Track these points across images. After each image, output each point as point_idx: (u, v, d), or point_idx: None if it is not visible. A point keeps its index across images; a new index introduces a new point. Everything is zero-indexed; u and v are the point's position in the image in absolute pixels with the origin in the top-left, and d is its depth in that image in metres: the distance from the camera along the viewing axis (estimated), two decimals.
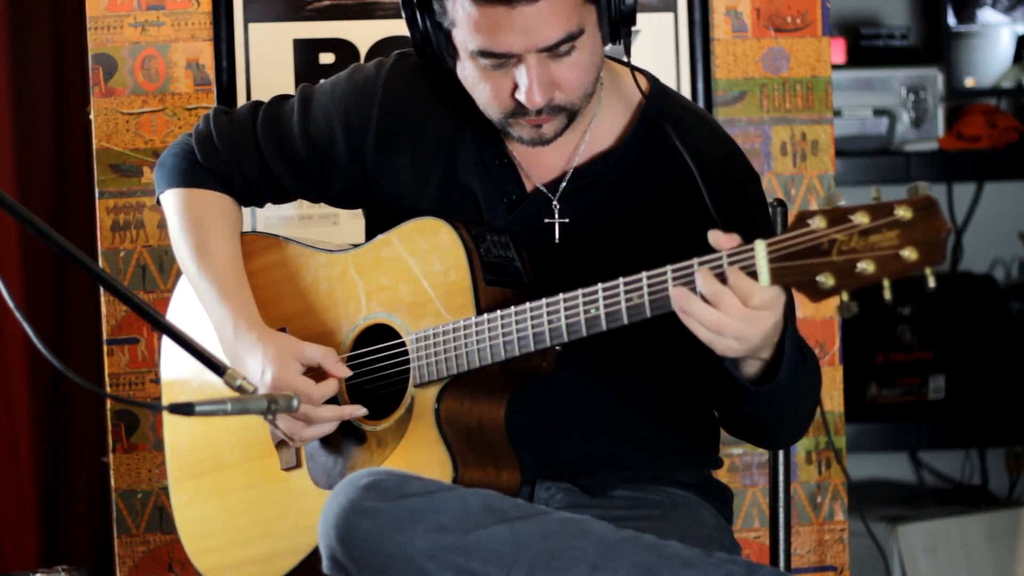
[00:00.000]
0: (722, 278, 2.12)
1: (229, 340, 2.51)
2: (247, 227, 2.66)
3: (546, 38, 2.30)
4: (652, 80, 2.53)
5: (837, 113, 4.17)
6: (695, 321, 2.14)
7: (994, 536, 4.21)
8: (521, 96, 2.34)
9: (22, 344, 3.77)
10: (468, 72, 2.39)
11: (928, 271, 1.99)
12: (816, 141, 3.41)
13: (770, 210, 2.85)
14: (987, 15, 4.55)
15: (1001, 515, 4.26)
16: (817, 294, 2.05)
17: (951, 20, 4.52)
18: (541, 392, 2.43)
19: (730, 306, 2.12)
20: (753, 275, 2.10)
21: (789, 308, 2.20)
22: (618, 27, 2.37)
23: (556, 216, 2.47)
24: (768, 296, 2.12)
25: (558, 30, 2.31)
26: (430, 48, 2.40)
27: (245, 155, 2.59)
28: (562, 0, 2.29)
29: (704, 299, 2.13)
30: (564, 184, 2.47)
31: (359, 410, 2.43)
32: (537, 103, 2.34)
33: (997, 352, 4.41)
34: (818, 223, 2.04)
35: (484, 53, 2.33)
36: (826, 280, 2.04)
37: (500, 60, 2.33)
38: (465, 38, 2.34)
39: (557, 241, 2.47)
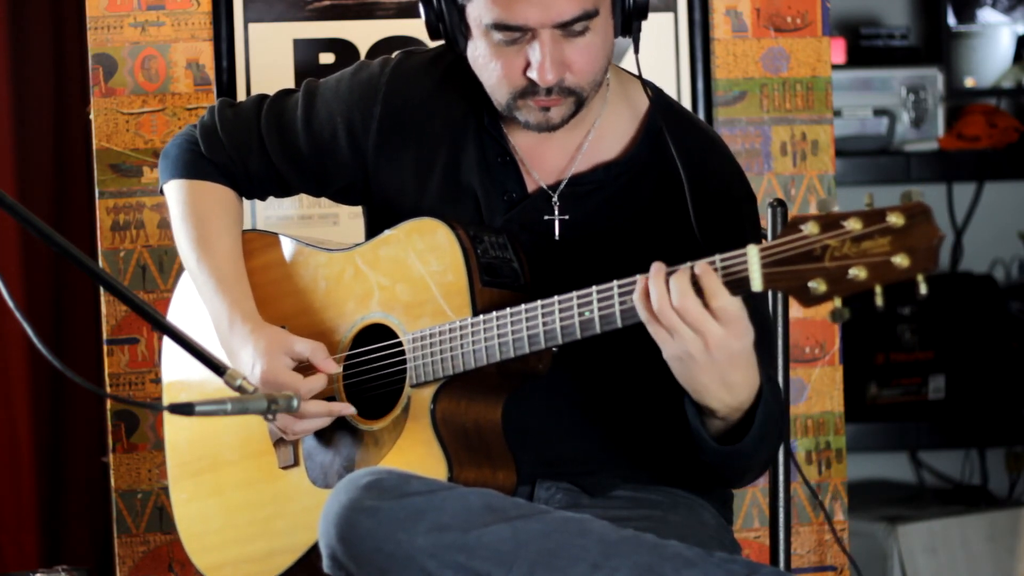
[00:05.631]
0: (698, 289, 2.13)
1: (225, 332, 2.52)
2: (247, 226, 2.67)
3: (562, 13, 2.31)
4: (657, 92, 2.53)
5: (837, 113, 4.17)
6: (652, 313, 2.15)
7: (994, 536, 4.21)
8: (533, 73, 2.34)
9: (22, 344, 3.77)
10: (480, 50, 2.39)
11: (920, 278, 1.99)
12: (816, 141, 3.40)
13: (769, 210, 2.85)
14: (987, 15, 4.54)
15: (1001, 515, 4.25)
16: (809, 300, 2.05)
17: (951, 20, 4.52)
18: (541, 392, 2.43)
19: (690, 308, 2.12)
20: (746, 280, 2.10)
21: (769, 388, 2.23)
22: (630, 19, 2.38)
23: (556, 213, 2.47)
24: (732, 308, 2.12)
25: (574, 6, 2.31)
26: (443, 26, 2.40)
27: (248, 148, 2.60)
28: None
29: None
30: (564, 187, 2.47)
31: (347, 408, 2.44)
32: (549, 80, 2.34)
33: (997, 352, 4.41)
34: (811, 229, 2.04)
35: (499, 26, 2.33)
36: (818, 286, 2.04)
37: (514, 35, 2.33)
38: (481, 11, 2.34)
39: (557, 238, 2.47)
